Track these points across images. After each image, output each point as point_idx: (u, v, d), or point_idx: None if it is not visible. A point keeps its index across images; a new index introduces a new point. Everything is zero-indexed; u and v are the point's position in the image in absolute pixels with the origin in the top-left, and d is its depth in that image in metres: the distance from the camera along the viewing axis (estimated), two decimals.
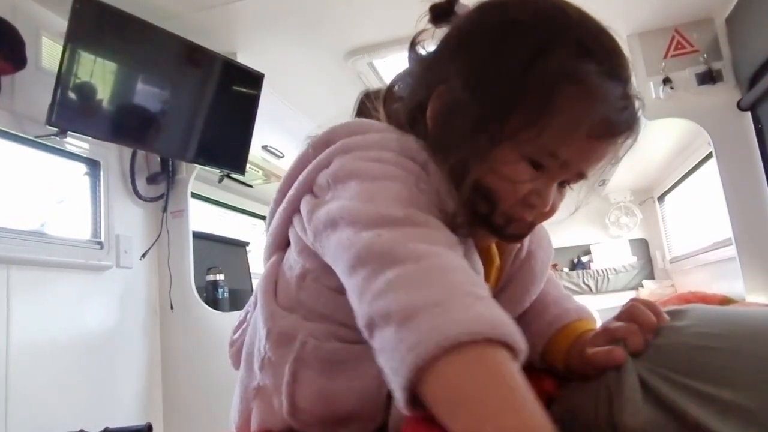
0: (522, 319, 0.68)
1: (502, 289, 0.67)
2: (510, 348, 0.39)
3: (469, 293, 0.41)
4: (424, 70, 0.61)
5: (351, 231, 0.48)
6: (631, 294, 3.95)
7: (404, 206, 0.49)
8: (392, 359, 0.39)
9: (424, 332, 0.38)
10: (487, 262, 0.62)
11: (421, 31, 0.61)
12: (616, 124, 0.54)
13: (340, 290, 0.49)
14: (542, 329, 0.66)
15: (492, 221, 0.57)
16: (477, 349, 0.37)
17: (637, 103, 0.57)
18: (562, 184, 0.60)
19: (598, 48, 0.53)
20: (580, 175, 0.59)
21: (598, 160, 0.57)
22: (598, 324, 0.63)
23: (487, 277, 0.63)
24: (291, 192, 0.61)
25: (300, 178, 0.60)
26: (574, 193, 0.64)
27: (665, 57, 2.37)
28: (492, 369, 0.38)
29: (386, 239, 0.46)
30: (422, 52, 0.62)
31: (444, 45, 0.59)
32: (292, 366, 0.55)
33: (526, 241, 0.68)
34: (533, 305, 0.69)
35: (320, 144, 0.60)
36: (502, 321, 0.40)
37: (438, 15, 0.61)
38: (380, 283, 0.43)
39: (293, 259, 0.60)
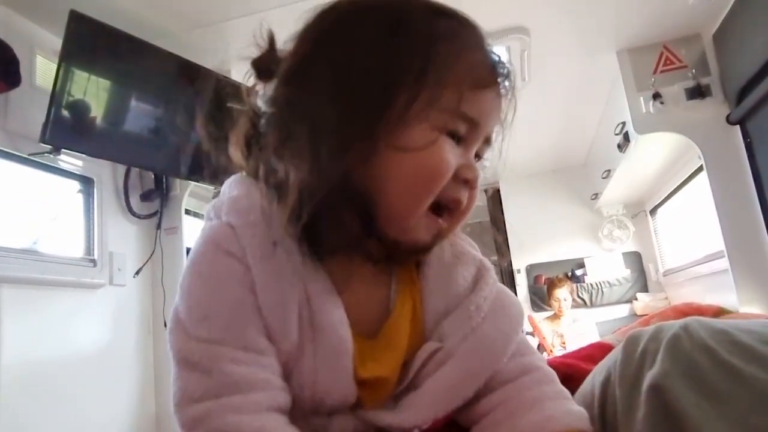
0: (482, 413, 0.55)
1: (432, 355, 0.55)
2: None
3: None
4: (285, 102, 0.54)
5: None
6: (626, 307, 3.95)
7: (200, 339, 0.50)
8: None
9: None
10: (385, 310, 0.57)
11: (251, 88, 0.57)
12: (496, 68, 0.54)
13: None
14: None
15: (396, 225, 0.52)
16: None
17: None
18: (476, 158, 0.56)
19: (449, 10, 0.54)
20: (487, 141, 0.56)
21: (494, 114, 0.55)
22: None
23: (396, 321, 0.56)
24: None
25: None
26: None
27: (655, 72, 2.41)
28: None
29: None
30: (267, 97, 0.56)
31: (294, 67, 0.53)
32: None
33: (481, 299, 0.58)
34: (502, 405, 0.55)
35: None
36: None
37: (261, 70, 0.58)
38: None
39: None
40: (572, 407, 0.54)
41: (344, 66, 0.51)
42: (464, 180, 0.53)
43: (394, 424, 0.54)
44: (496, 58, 0.55)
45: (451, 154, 0.51)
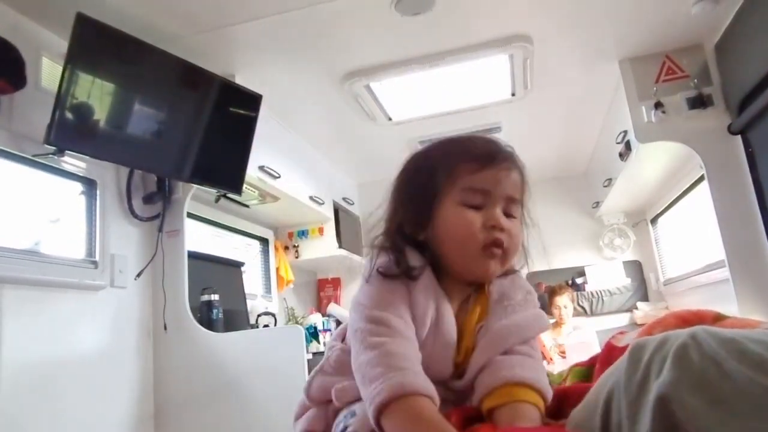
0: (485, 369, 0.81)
1: (486, 326, 0.84)
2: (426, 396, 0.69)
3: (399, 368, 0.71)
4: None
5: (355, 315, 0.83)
6: (626, 316, 3.94)
7: (377, 308, 0.79)
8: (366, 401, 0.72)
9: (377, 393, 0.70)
10: (467, 309, 0.86)
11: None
12: (489, 156, 0.83)
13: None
14: (488, 382, 0.78)
15: (460, 266, 0.84)
16: (405, 400, 0.68)
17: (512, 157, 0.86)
18: (508, 217, 0.83)
19: (458, 138, 0.91)
20: (510, 200, 0.84)
21: (501, 182, 0.83)
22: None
23: (468, 320, 0.85)
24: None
25: None
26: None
27: (656, 82, 2.42)
28: (414, 411, 0.68)
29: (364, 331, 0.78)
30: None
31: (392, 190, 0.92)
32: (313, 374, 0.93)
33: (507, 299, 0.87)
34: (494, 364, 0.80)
35: None
36: (413, 383, 0.69)
37: None
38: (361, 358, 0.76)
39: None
40: (529, 373, 0.77)
41: (408, 186, 0.89)
42: (491, 226, 0.81)
43: (460, 386, 0.81)
44: (495, 149, 0.85)
45: (470, 215, 0.82)
